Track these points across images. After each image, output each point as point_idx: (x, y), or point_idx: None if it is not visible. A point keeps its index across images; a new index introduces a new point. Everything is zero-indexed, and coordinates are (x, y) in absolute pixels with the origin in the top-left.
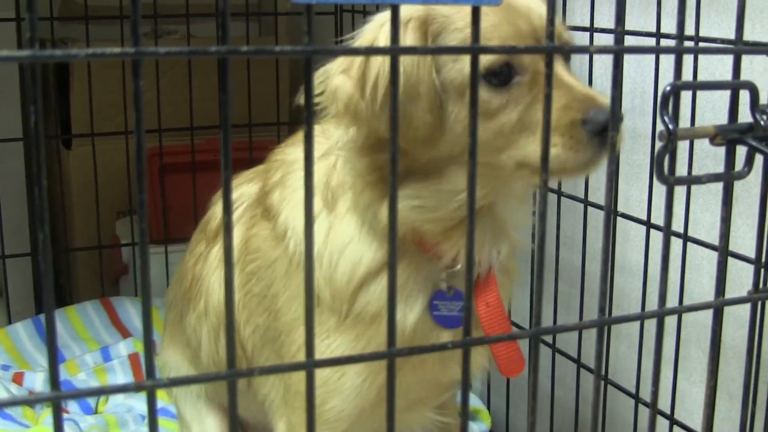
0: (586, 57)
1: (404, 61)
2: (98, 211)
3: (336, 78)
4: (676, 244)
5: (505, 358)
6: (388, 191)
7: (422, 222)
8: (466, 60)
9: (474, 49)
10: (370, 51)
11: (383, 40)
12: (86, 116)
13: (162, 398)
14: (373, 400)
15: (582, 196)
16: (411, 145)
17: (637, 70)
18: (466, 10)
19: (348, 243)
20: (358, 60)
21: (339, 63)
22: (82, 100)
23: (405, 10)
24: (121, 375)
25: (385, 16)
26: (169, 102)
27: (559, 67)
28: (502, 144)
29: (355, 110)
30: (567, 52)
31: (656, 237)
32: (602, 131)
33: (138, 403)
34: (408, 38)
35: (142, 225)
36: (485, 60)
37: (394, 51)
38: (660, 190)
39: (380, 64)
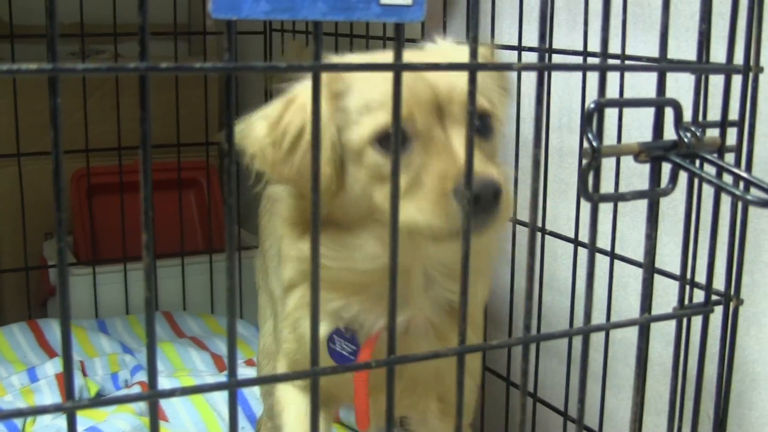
0: (514, 75)
1: (309, 114)
2: (25, 232)
3: (256, 123)
4: (603, 261)
5: (362, 413)
6: (299, 231)
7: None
8: (363, 126)
9: (397, 66)
10: (292, 68)
11: (303, 95)
12: (12, 137)
13: (91, 416)
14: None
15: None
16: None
17: (565, 88)
18: (365, 77)
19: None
20: (278, 108)
21: (263, 111)
22: (7, 121)
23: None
24: (49, 395)
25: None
26: (97, 122)
27: (454, 132)
28: None
29: (264, 154)
30: (492, 69)
31: (584, 255)
32: (475, 202)
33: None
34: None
35: (61, 243)
36: (375, 125)
37: (316, 68)
38: (588, 207)
39: (293, 112)
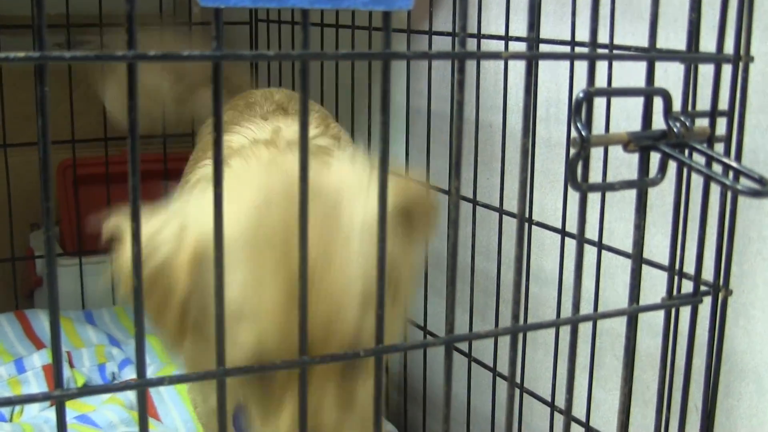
0: (501, 66)
1: (176, 278)
2: (12, 223)
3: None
4: (591, 252)
5: None
6: None
7: None
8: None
9: (385, 54)
10: (280, 56)
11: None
12: None
13: (79, 409)
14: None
15: (497, 205)
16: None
17: (552, 78)
18: (251, 266)
19: None
20: (147, 248)
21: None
22: None
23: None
24: (36, 386)
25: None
26: (84, 113)
27: (318, 390)
28: None
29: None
30: (479, 57)
31: (571, 245)
32: None
33: (55, 414)
34: (182, 255)
35: (48, 233)
36: (239, 352)
37: (304, 56)
38: (575, 198)
39: (156, 275)
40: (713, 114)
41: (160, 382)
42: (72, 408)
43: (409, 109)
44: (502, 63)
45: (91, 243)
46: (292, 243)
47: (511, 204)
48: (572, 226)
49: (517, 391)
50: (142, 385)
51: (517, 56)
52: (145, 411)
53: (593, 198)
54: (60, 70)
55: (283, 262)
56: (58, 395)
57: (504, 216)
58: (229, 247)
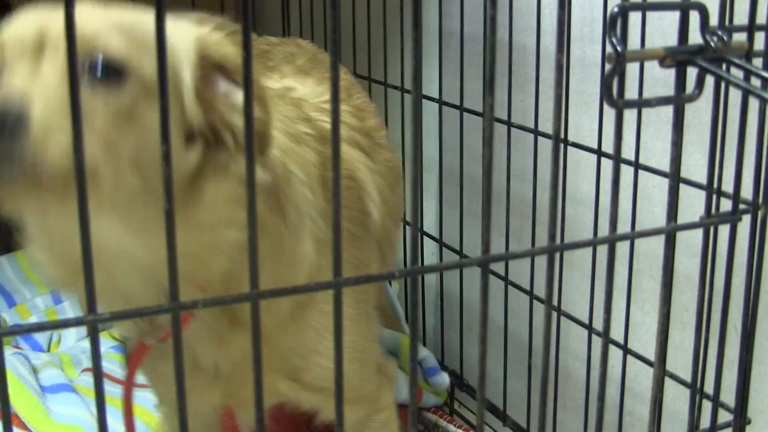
0: None
1: None
2: None
3: None
4: (627, 172)
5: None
6: None
7: None
8: None
9: None
10: None
11: None
12: None
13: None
14: None
15: (532, 126)
16: None
17: None
18: None
19: None
20: None
21: None
22: None
23: None
24: (72, 316)
25: None
26: None
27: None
28: None
29: None
30: None
31: (607, 166)
32: None
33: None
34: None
35: (78, 156)
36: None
37: None
38: (611, 117)
39: None
40: (751, 28)
41: (194, 305)
42: (107, 339)
43: (442, 32)
44: None
45: None
46: None
47: (546, 126)
48: (608, 147)
49: (554, 314)
50: (175, 309)
51: None
52: (179, 335)
53: (629, 118)
54: None
55: None
56: (91, 320)
57: (539, 137)
58: None
